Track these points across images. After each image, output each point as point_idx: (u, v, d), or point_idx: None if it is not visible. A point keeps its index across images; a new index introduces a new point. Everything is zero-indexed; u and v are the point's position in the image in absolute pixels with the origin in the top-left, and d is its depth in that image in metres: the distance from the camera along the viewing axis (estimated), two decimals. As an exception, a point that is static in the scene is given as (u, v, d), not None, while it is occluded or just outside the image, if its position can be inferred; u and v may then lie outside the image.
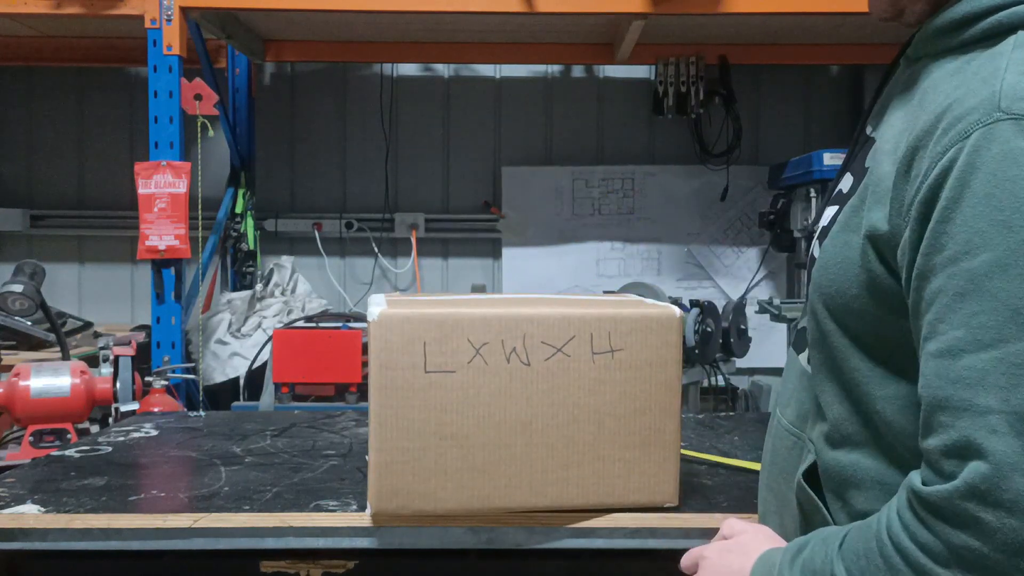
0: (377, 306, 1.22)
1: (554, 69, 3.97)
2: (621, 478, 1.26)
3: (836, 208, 0.93)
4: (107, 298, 3.95)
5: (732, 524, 1.03)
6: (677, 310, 1.27)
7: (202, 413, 2.15)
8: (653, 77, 3.78)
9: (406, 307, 1.22)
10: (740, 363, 3.52)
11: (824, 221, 0.96)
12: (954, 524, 0.71)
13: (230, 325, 3.46)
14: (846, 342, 0.90)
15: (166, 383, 2.50)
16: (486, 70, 3.98)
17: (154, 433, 1.84)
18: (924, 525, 0.73)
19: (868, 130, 0.98)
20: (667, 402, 1.27)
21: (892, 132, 0.87)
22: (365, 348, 3.04)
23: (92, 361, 2.45)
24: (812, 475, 0.96)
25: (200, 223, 2.90)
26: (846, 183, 0.95)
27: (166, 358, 2.71)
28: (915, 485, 0.75)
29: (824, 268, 0.91)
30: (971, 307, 0.72)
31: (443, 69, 3.97)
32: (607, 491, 1.26)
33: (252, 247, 3.74)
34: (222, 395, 3.39)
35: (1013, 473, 0.68)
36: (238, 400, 3.30)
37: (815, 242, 0.97)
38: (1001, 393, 0.70)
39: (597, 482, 1.26)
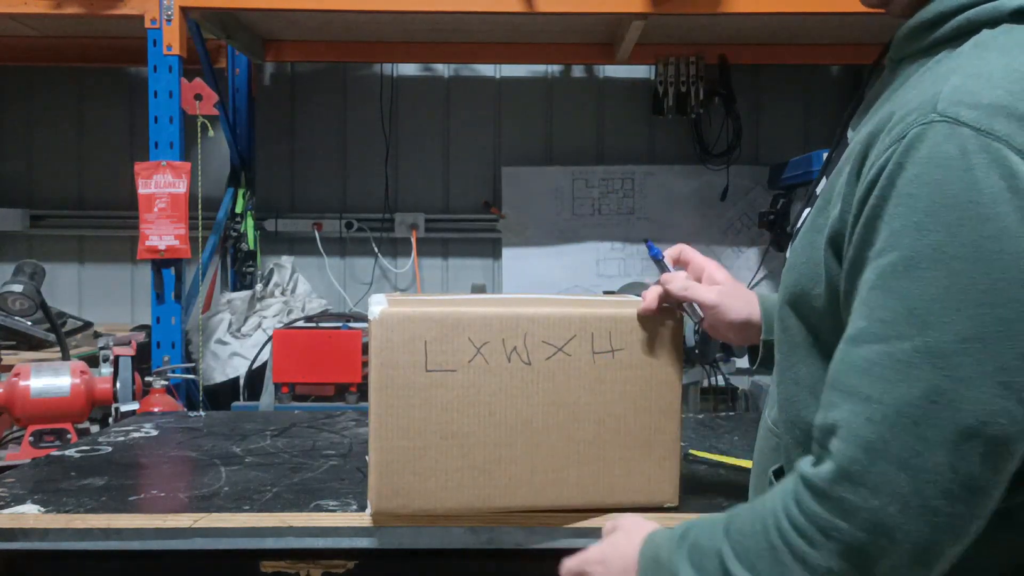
0: (378, 305, 1.21)
1: (554, 69, 3.97)
2: (621, 478, 1.26)
3: (810, 210, 0.94)
4: (107, 298, 3.95)
5: (611, 523, 1.04)
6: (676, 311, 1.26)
7: (202, 413, 2.15)
8: (653, 77, 3.78)
9: (407, 306, 1.22)
10: (740, 363, 3.52)
11: (799, 223, 0.97)
12: (824, 504, 0.74)
13: (230, 325, 3.46)
14: (810, 341, 0.90)
15: (166, 383, 2.50)
16: (486, 70, 3.98)
17: (154, 433, 1.84)
18: (799, 506, 0.76)
19: (849, 133, 0.98)
20: (668, 402, 1.27)
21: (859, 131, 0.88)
22: (365, 348, 3.04)
23: (92, 361, 2.45)
24: (783, 473, 0.96)
25: (200, 223, 2.90)
26: (822, 186, 0.95)
27: (166, 358, 2.71)
28: (802, 470, 0.78)
29: (791, 268, 0.92)
30: (877, 301, 0.75)
31: (443, 69, 3.97)
32: (607, 491, 1.26)
33: (252, 247, 3.74)
34: (222, 395, 3.39)
35: (878, 458, 0.72)
36: (238, 400, 3.30)
37: (791, 244, 0.98)
38: (883, 385, 0.73)
39: (597, 482, 1.26)
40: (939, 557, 0.73)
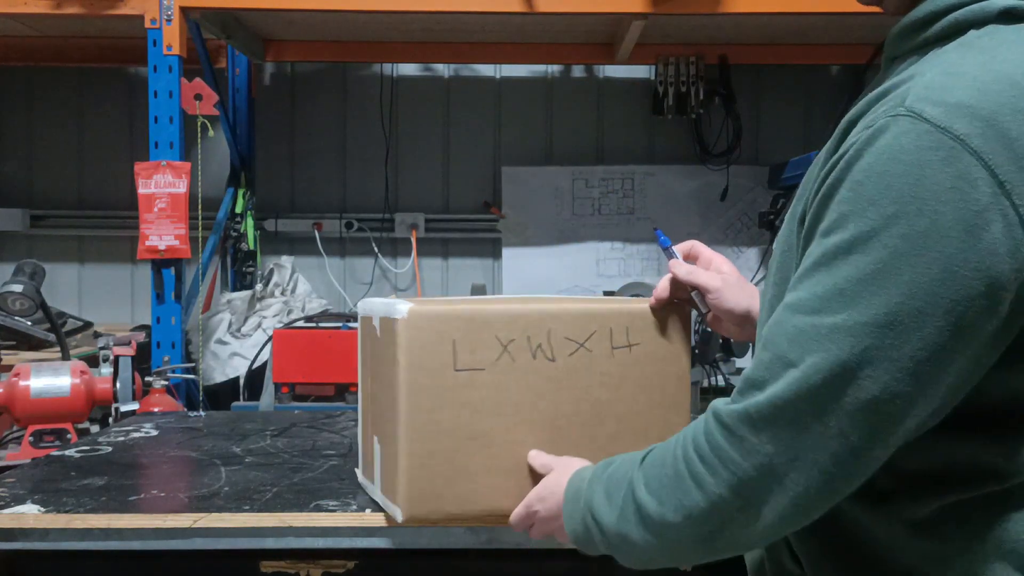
0: (400, 305, 1.18)
1: (554, 69, 3.97)
2: None
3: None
4: (107, 298, 3.95)
5: (542, 460, 1.17)
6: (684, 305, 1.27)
7: (202, 413, 2.16)
8: (653, 77, 3.78)
9: (428, 305, 1.20)
10: (740, 363, 3.52)
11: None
12: (727, 438, 0.82)
13: (230, 325, 3.46)
14: None
15: (166, 383, 2.50)
16: (486, 70, 3.98)
17: (154, 433, 1.85)
18: (707, 436, 0.84)
19: None
20: (679, 396, 1.29)
21: None
22: (365, 348, 3.04)
23: (92, 361, 2.45)
24: None
25: (200, 223, 2.89)
26: None
27: (166, 358, 2.71)
28: (715, 405, 0.85)
29: (775, 256, 0.95)
30: (817, 276, 0.79)
31: (443, 69, 3.97)
32: None
33: (252, 247, 3.74)
34: (222, 395, 3.39)
35: (783, 413, 0.79)
36: (238, 400, 3.29)
37: (776, 238, 1.00)
38: (801, 352, 0.78)
39: None
40: (817, 509, 0.81)
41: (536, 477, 1.18)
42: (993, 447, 0.80)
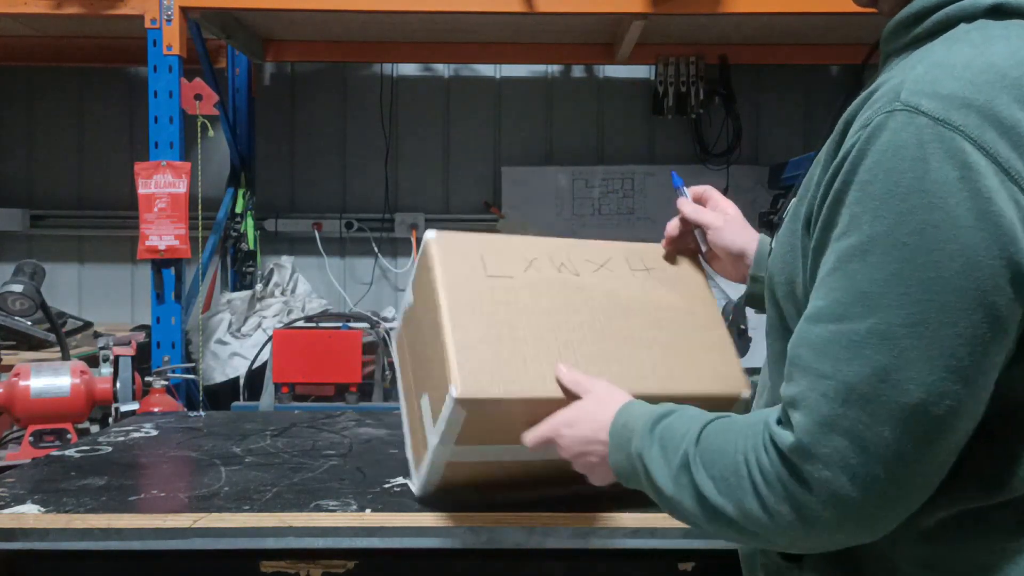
0: (428, 233, 1.26)
1: (554, 69, 3.97)
2: (693, 368, 1.28)
3: (794, 200, 0.97)
4: (107, 298, 3.95)
5: (573, 376, 1.14)
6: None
7: (202, 413, 2.15)
8: (653, 77, 3.78)
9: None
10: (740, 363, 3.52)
11: (785, 214, 0.99)
12: (785, 465, 0.80)
13: (230, 325, 3.46)
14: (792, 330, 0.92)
15: (166, 383, 2.50)
16: (486, 70, 3.98)
17: (154, 433, 1.84)
18: (768, 454, 0.81)
19: None
20: (708, 311, 1.35)
21: None
22: (365, 348, 3.04)
23: (92, 361, 2.45)
24: None
25: (200, 223, 2.89)
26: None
27: (166, 358, 2.71)
28: (771, 426, 0.82)
29: (776, 258, 0.95)
30: (834, 283, 0.78)
31: (443, 69, 3.97)
32: (683, 379, 1.26)
33: (252, 247, 3.74)
34: (222, 395, 3.39)
35: (831, 432, 0.76)
36: (238, 400, 3.29)
37: (775, 235, 1.01)
38: (835, 363, 0.76)
39: (671, 371, 1.26)
40: (881, 520, 0.78)
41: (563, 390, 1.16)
42: (996, 454, 0.80)
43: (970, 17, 0.82)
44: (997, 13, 0.81)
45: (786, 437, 0.80)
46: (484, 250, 1.26)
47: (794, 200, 0.97)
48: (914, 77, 0.77)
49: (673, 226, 1.36)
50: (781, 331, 0.96)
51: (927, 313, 0.73)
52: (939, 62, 0.78)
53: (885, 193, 0.74)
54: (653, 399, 1.07)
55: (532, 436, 1.13)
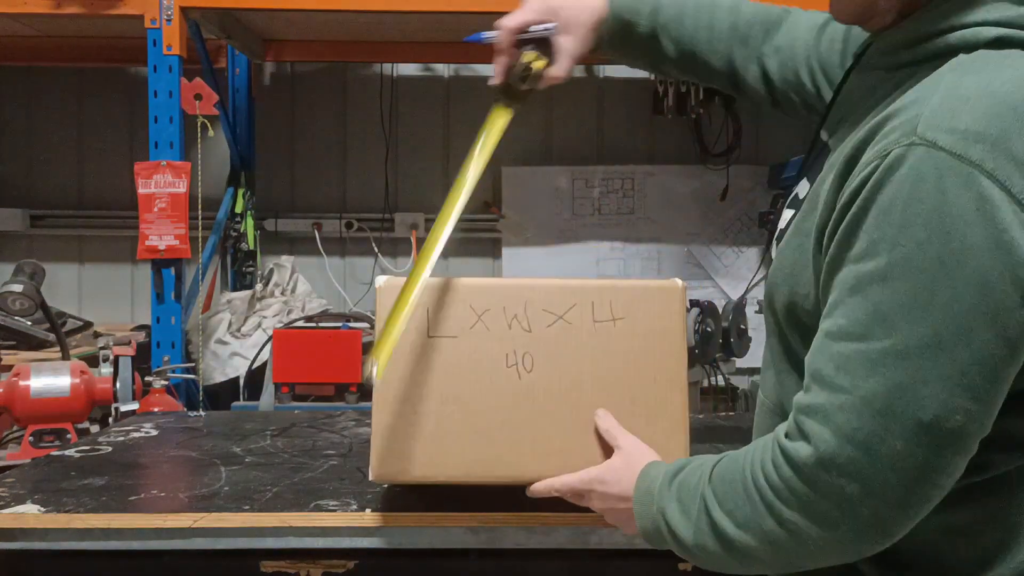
0: (383, 277, 1.25)
1: (554, 69, 3.96)
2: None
3: (793, 212, 1.00)
4: (107, 298, 3.95)
5: (607, 423, 1.17)
6: (679, 281, 1.26)
7: (202, 413, 2.16)
8: (653, 77, 3.78)
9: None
10: (740, 363, 3.52)
11: (782, 224, 1.00)
12: (799, 476, 0.84)
13: (230, 325, 3.46)
14: (797, 338, 0.96)
15: (166, 383, 2.50)
16: (486, 70, 3.97)
17: (154, 433, 1.85)
18: (777, 469, 0.86)
19: (824, 136, 1.04)
20: (673, 372, 1.23)
21: (842, 140, 0.93)
22: (366, 348, 3.04)
23: (92, 361, 2.44)
24: None
25: (200, 223, 2.89)
26: (803, 188, 1.00)
27: (166, 358, 2.71)
28: (780, 439, 0.87)
29: (779, 269, 0.98)
30: (854, 303, 0.82)
31: (443, 69, 3.97)
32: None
33: (252, 247, 3.74)
34: (222, 395, 3.39)
35: (847, 443, 0.81)
36: (238, 400, 3.29)
37: (774, 244, 1.02)
38: (854, 379, 0.81)
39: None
40: (894, 526, 0.82)
41: (597, 437, 1.18)
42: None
43: (971, 47, 0.85)
44: (999, 44, 0.85)
45: (801, 448, 0.84)
46: (432, 302, 1.22)
47: (794, 212, 0.99)
48: (930, 110, 0.80)
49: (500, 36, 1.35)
50: (778, 334, 1.00)
51: (943, 335, 0.78)
52: (953, 95, 0.81)
53: (904, 222, 0.79)
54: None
55: (566, 490, 1.15)
